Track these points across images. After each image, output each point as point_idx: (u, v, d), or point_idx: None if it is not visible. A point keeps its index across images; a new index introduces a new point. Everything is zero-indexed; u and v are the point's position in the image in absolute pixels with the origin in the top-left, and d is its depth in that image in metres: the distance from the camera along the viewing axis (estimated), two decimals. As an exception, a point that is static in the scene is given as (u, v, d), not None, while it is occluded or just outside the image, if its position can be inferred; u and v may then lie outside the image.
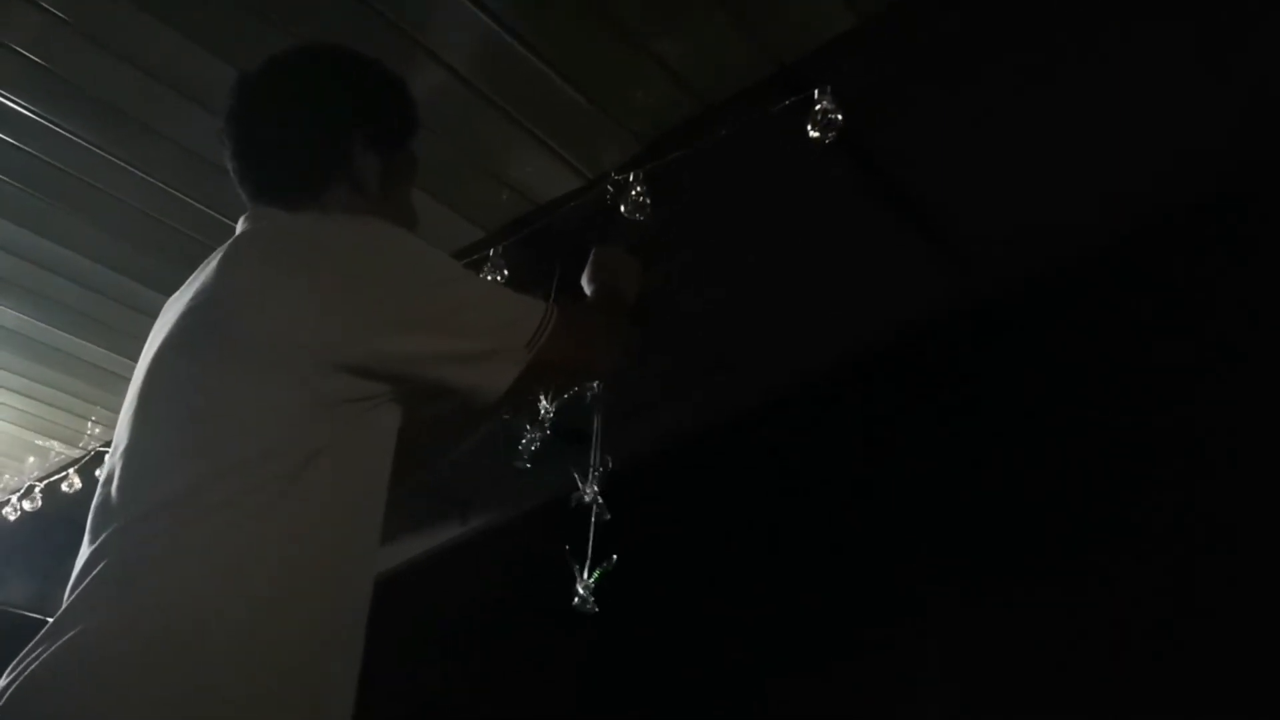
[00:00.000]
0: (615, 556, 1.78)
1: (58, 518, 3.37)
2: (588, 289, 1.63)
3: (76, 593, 1.02)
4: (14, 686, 0.96)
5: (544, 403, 1.94)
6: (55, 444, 3.32)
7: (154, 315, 1.28)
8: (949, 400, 2.89)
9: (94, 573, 1.02)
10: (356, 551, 1.14)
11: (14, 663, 0.99)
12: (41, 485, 3.42)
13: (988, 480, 2.76)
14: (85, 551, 1.06)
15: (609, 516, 1.80)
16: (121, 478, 1.10)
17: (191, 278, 1.24)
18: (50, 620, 1.01)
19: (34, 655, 0.97)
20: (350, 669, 1.11)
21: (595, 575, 1.77)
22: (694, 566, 3.32)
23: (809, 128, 1.66)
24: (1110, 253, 2.40)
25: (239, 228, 1.29)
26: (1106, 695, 2.39)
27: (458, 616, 3.93)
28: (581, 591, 1.76)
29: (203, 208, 2.23)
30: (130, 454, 1.12)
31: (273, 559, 1.03)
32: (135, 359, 1.25)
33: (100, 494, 1.11)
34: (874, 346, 2.62)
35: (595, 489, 1.83)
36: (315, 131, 1.31)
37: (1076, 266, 2.46)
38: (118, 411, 1.23)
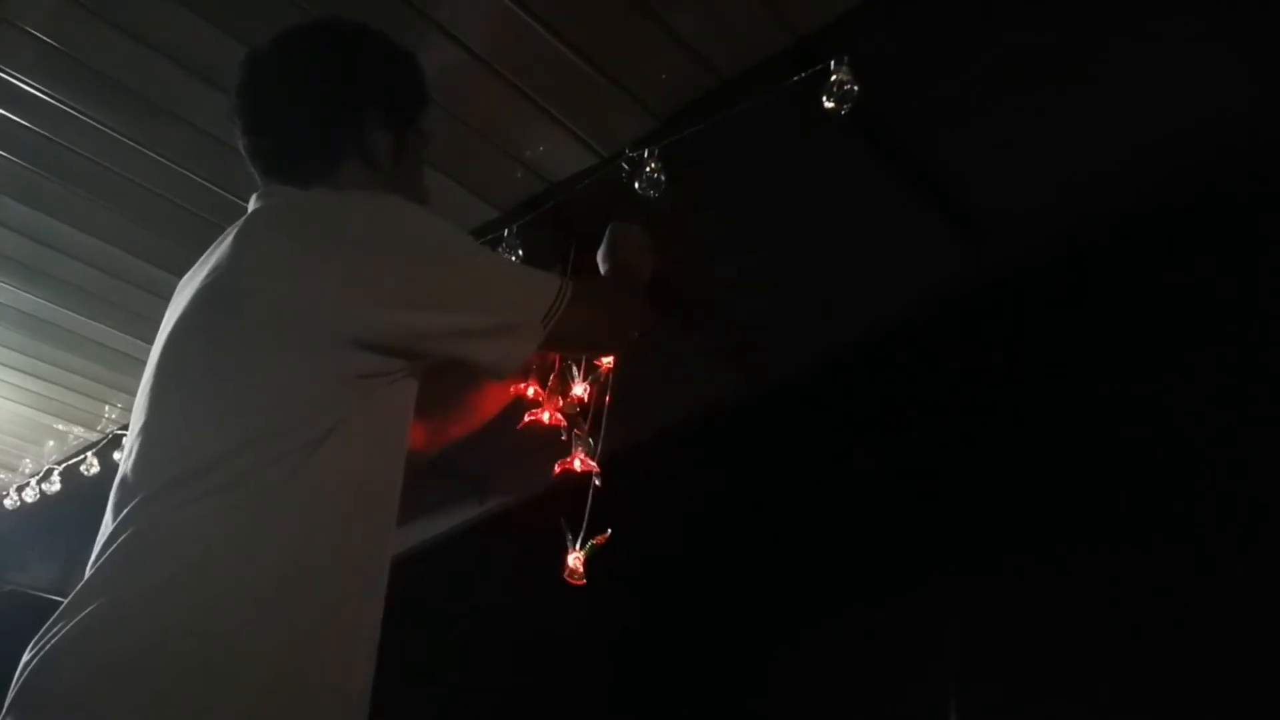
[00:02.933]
0: (610, 530, 1.78)
1: (78, 501, 3.39)
2: (602, 266, 1.62)
3: (96, 567, 1.03)
4: (36, 660, 0.97)
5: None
6: (76, 429, 3.34)
7: (169, 297, 1.27)
8: (961, 382, 2.87)
9: (114, 547, 1.03)
10: (373, 525, 1.14)
11: (36, 638, 1.00)
12: (60, 468, 3.44)
13: (1005, 460, 2.74)
14: (107, 527, 1.07)
15: (599, 483, 1.80)
16: (139, 454, 1.11)
17: (204, 256, 1.23)
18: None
19: (55, 630, 0.98)
20: (369, 642, 1.11)
21: (587, 547, 1.77)
22: (712, 547, 3.32)
23: (825, 100, 1.63)
24: (1130, 227, 2.37)
25: (251, 205, 1.28)
26: (1120, 681, 2.39)
27: (476, 596, 3.94)
28: (570, 562, 1.77)
29: (218, 189, 2.22)
30: (148, 431, 1.13)
31: (289, 533, 1.04)
32: (151, 341, 1.25)
33: (120, 471, 1.12)
34: (889, 325, 2.60)
35: (594, 460, 1.83)
36: (326, 107, 1.30)
37: (1095, 241, 2.43)
38: (134, 394, 1.23)
